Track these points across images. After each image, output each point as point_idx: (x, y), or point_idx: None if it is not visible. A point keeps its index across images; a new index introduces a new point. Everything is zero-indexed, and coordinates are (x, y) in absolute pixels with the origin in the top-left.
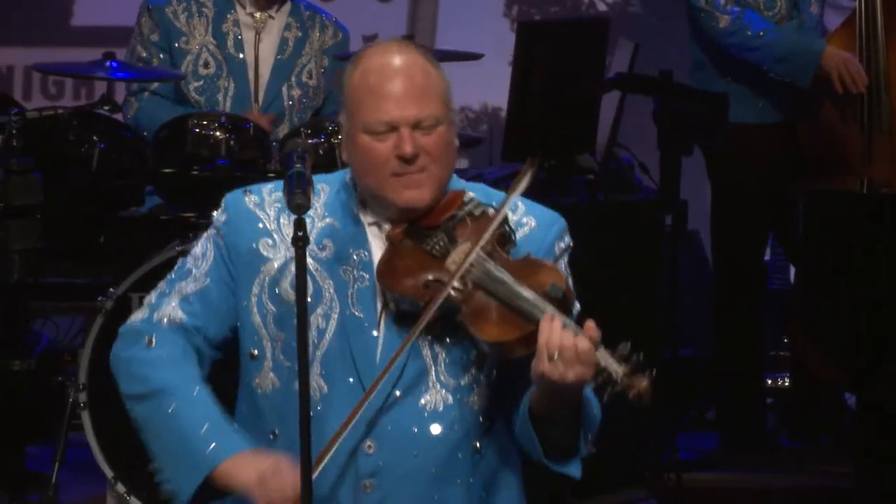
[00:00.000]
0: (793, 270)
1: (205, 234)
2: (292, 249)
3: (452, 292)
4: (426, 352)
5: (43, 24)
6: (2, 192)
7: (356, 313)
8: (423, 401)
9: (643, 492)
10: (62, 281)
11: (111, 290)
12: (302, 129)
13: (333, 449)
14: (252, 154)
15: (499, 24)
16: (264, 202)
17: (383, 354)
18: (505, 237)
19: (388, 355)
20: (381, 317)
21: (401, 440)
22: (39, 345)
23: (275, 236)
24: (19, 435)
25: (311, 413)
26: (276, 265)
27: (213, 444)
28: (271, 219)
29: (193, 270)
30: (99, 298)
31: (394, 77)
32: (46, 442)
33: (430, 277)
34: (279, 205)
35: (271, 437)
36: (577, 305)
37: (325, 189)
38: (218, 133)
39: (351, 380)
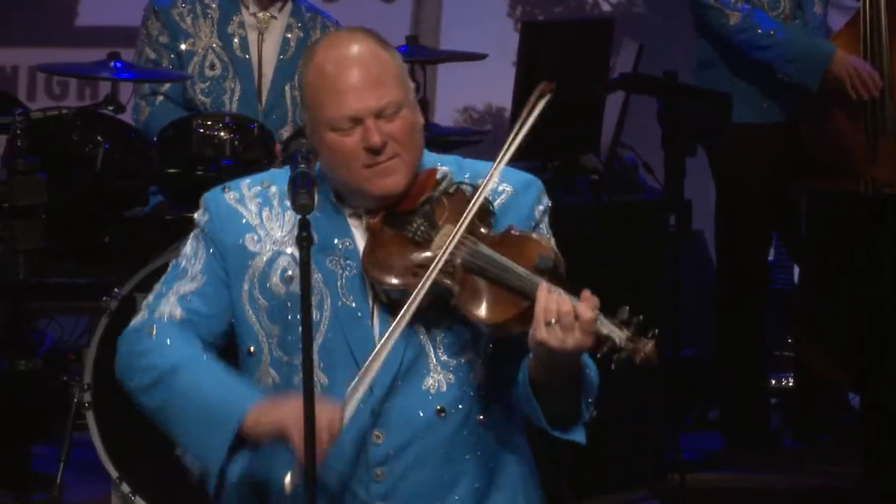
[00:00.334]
0: (796, 270)
1: (191, 235)
2: (279, 243)
3: (441, 277)
4: (423, 336)
5: (47, 24)
6: (6, 192)
7: (348, 303)
8: (425, 384)
9: (645, 492)
10: (66, 281)
11: (116, 290)
12: (305, 130)
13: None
14: (256, 154)
15: (502, 24)
16: (244, 197)
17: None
18: (484, 210)
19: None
20: (373, 306)
21: (408, 426)
22: (44, 345)
23: (259, 231)
24: (24, 435)
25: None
26: (264, 259)
27: (235, 397)
28: (253, 214)
29: (189, 269)
30: (104, 298)
31: (348, 69)
32: (51, 442)
33: (416, 265)
34: (260, 199)
35: None
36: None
37: None
38: (222, 133)
39: (350, 371)
